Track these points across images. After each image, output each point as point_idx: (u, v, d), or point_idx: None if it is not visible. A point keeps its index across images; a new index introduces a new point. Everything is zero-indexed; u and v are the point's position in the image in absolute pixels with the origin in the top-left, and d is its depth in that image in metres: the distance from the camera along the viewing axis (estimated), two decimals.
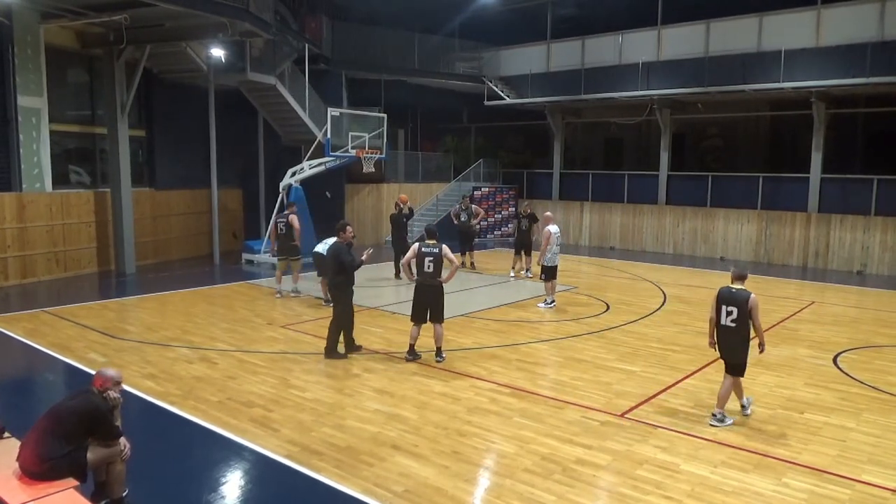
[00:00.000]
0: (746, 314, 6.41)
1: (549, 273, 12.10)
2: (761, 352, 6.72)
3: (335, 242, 8.90)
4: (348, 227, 9.06)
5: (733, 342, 6.54)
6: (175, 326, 10.24)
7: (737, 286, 6.58)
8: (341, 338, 8.72)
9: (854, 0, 16.81)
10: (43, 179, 13.83)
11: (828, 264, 17.50)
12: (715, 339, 6.72)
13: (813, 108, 17.59)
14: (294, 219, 12.35)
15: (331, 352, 8.63)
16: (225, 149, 17.50)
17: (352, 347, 8.80)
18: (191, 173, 17.65)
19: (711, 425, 6.54)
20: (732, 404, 6.74)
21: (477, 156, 24.50)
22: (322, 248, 11.74)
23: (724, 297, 6.56)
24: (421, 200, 22.26)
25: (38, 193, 13.73)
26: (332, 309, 8.90)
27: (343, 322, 8.69)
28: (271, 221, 12.58)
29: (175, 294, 12.78)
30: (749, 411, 6.82)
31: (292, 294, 12.56)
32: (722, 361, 6.79)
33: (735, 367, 6.60)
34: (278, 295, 12.49)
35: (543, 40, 22.58)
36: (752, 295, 6.45)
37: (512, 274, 15.20)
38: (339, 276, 8.63)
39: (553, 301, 12.11)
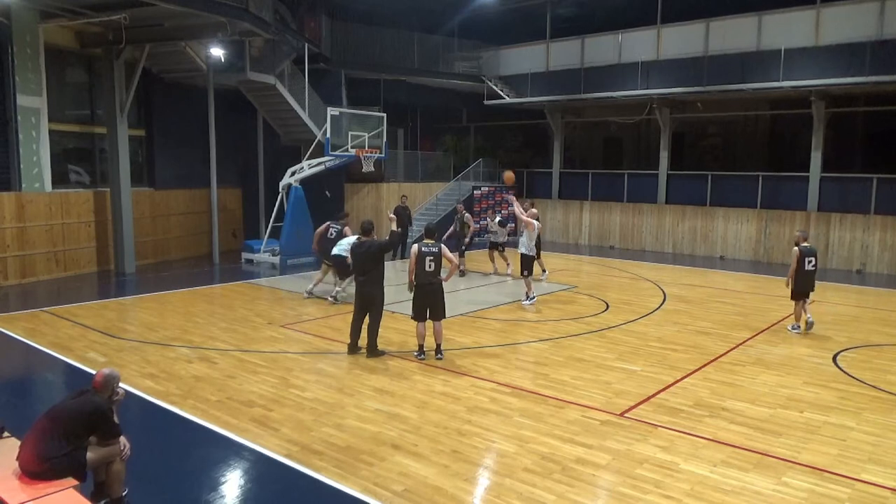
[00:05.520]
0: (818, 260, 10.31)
1: (530, 267, 12.04)
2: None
3: (369, 240, 8.76)
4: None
5: (813, 279, 10.24)
6: (175, 326, 10.23)
7: (809, 244, 10.32)
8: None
9: None
10: (42, 179, 13.83)
11: (827, 263, 17.49)
12: (793, 281, 10.19)
13: (812, 108, 17.60)
14: (349, 230, 12.22)
15: (374, 350, 8.67)
16: (224, 148, 17.50)
17: (357, 348, 8.84)
18: (190, 173, 17.65)
19: (792, 330, 10.34)
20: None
21: (476, 155, 24.50)
22: (339, 250, 11.53)
23: (807, 252, 10.16)
24: (421, 200, 22.26)
25: (38, 193, 13.72)
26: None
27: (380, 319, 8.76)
28: (321, 226, 12.64)
29: (175, 294, 12.78)
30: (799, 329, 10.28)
31: (329, 299, 12.06)
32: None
33: (808, 294, 10.27)
34: (307, 295, 12.32)
35: (543, 40, 22.57)
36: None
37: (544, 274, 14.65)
38: (380, 272, 8.63)
39: (535, 297, 12.07)
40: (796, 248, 10.24)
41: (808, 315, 10.32)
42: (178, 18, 13.46)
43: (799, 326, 10.35)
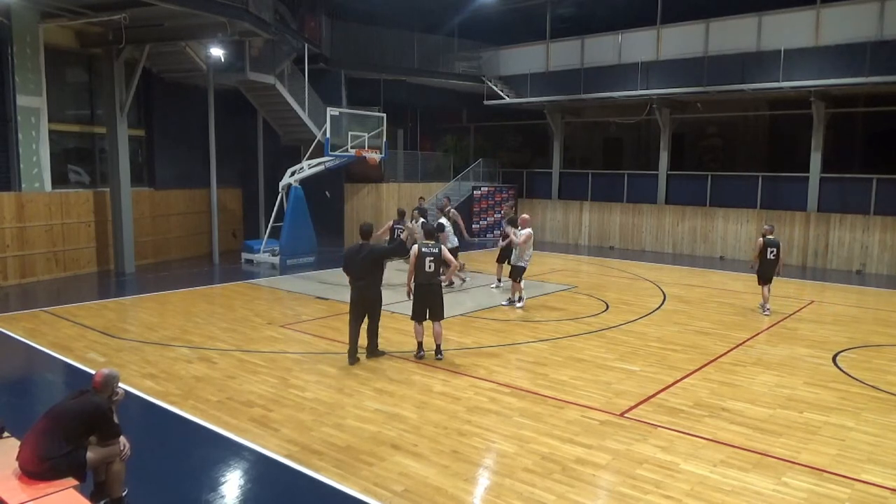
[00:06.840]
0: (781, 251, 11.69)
1: (521, 274, 11.96)
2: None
3: (369, 245, 8.68)
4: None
5: (773, 267, 11.57)
6: (175, 326, 10.23)
7: (774, 237, 11.68)
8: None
9: None
10: (42, 179, 13.83)
11: (827, 264, 17.52)
12: (757, 267, 11.69)
13: (812, 108, 17.60)
14: (412, 223, 12.95)
15: (374, 350, 8.69)
16: (224, 148, 17.49)
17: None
18: (190, 173, 17.65)
19: (764, 315, 11.47)
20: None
21: (476, 155, 24.52)
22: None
23: (770, 243, 11.51)
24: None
25: (38, 193, 13.72)
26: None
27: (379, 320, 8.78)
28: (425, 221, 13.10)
29: (174, 294, 12.78)
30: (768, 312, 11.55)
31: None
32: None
33: (770, 279, 11.61)
34: None
35: (543, 40, 22.58)
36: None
37: (499, 284, 13.58)
38: (380, 276, 8.63)
39: (523, 300, 12.05)
40: (761, 239, 11.72)
41: (767, 305, 11.75)
42: (178, 18, 13.46)
43: (769, 308, 11.63)
